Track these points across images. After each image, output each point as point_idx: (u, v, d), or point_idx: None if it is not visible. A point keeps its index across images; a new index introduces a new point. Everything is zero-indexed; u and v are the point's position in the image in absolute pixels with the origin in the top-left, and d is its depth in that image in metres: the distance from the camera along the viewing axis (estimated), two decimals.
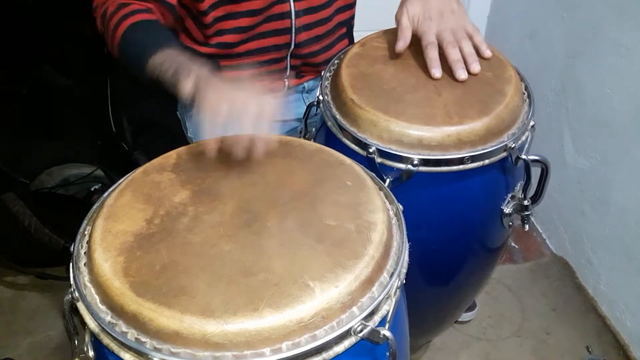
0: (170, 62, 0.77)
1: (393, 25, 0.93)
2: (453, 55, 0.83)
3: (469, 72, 0.83)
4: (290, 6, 0.95)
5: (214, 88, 0.70)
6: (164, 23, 0.92)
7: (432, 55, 0.84)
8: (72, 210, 1.48)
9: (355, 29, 1.11)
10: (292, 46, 0.99)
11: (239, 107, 0.66)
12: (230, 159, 0.68)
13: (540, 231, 1.61)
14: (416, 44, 0.87)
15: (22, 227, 1.35)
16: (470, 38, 0.86)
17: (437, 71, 0.83)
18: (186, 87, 0.71)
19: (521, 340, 1.33)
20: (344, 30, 1.08)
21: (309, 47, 1.01)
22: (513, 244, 1.58)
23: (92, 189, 1.55)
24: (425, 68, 0.85)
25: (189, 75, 0.73)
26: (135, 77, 0.89)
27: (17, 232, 1.36)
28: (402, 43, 0.87)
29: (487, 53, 0.86)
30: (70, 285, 0.58)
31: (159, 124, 1.43)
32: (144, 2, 0.89)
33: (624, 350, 1.30)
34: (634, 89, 1.18)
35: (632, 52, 1.17)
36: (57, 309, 1.37)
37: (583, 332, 1.35)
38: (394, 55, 0.88)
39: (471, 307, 1.35)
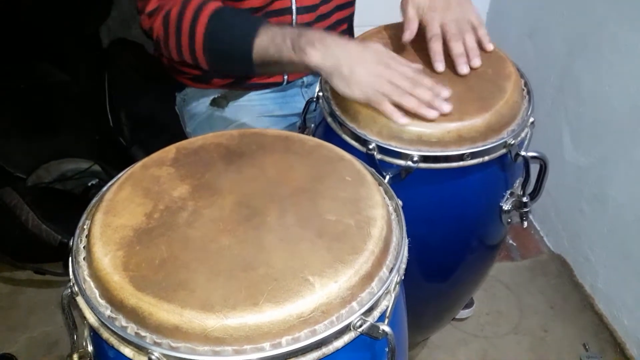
0: (282, 38, 0.76)
1: (393, 21, 0.93)
2: (456, 49, 0.83)
3: (470, 67, 0.83)
4: (291, 2, 0.95)
5: (356, 54, 0.73)
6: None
7: (436, 48, 0.83)
8: (70, 206, 1.48)
9: (355, 24, 1.11)
10: None
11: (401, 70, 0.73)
12: (229, 153, 0.68)
13: (538, 229, 1.61)
14: (417, 40, 0.87)
15: (19, 222, 1.35)
16: (474, 30, 0.85)
17: (440, 65, 0.83)
18: (314, 56, 0.72)
19: (519, 338, 1.34)
20: (344, 26, 1.08)
21: None
22: (511, 242, 1.58)
23: (90, 184, 1.54)
24: (425, 64, 0.84)
25: (313, 44, 0.73)
26: (230, 71, 0.85)
27: (14, 227, 1.36)
28: (409, 34, 0.86)
29: (489, 46, 0.86)
30: (68, 280, 0.57)
31: (157, 119, 1.43)
32: None
33: (620, 347, 1.30)
34: (633, 87, 1.18)
35: (631, 50, 1.17)
36: (54, 305, 1.37)
37: (580, 330, 1.35)
38: (394, 51, 0.88)
39: (469, 305, 1.35)
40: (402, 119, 0.74)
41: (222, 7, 0.85)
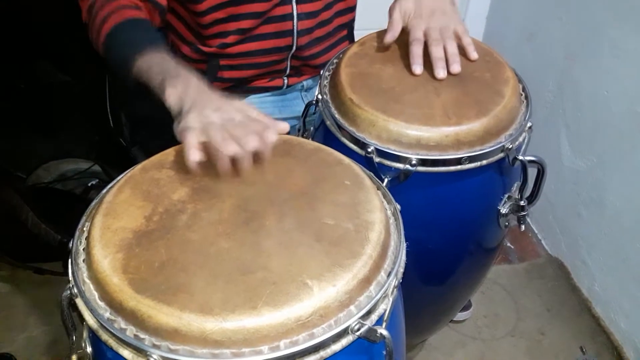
0: (158, 68, 0.74)
1: None
2: (436, 52, 0.84)
3: (448, 72, 0.83)
4: (292, 8, 0.95)
5: (204, 98, 0.67)
6: (150, 22, 0.87)
7: (416, 51, 0.85)
8: (69, 206, 1.48)
9: (354, 28, 1.12)
10: (294, 48, 0.99)
11: (232, 116, 0.65)
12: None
13: (536, 232, 1.62)
14: (403, 45, 0.88)
15: (19, 222, 1.35)
16: (459, 39, 0.86)
17: (417, 67, 0.84)
18: (171, 95, 0.69)
19: (516, 340, 1.34)
20: (344, 32, 1.08)
21: (310, 50, 1.01)
22: (509, 245, 1.59)
23: (90, 184, 1.54)
24: (409, 70, 0.85)
25: (175, 84, 0.70)
26: (121, 78, 0.86)
27: (14, 226, 1.36)
28: (390, 35, 0.88)
29: (474, 55, 0.87)
30: (67, 281, 0.58)
31: (157, 120, 1.42)
32: None
33: (617, 351, 1.31)
34: (631, 91, 1.18)
35: (629, 55, 1.18)
36: (54, 305, 1.35)
37: (577, 333, 1.35)
38: (393, 55, 0.89)
39: (466, 307, 1.36)
40: (194, 156, 0.64)
41: (132, 19, 0.84)
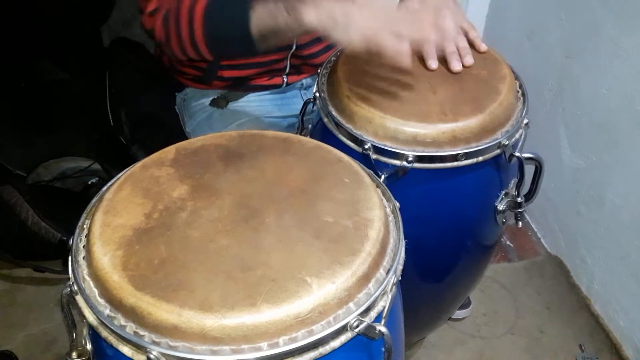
0: (275, 6, 0.77)
1: None
2: (449, 47, 0.85)
3: (463, 65, 0.84)
4: None
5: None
6: None
7: (429, 49, 0.85)
8: (69, 204, 1.48)
9: None
10: (294, 47, 0.99)
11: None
12: (228, 154, 0.69)
13: (535, 230, 1.62)
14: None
15: (19, 220, 1.35)
16: (466, 34, 0.87)
17: (433, 62, 0.85)
18: (309, 15, 0.73)
19: (515, 338, 1.34)
20: None
21: (310, 49, 1.01)
22: (508, 243, 1.59)
23: (89, 182, 1.55)
24: (420, 65, 0.85)
25: (306, 3, 0.73)
26: (233, 53, 0.87)
27: (13, 224, 1.36)
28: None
29: (483, 47, 0.88)
30: (68, 278, 0.58)
31: (157, 118, 1.43)
32: None
33: (616, 348, 1.31)
34: (630, 89, 1.18)
35: (629, 54, 1.18)
36: (53, 303, 1.37)
37: (576, 331, 1.36)
38: None
39: (466, 305, 1.36)
40: (406, 58, 0.72)
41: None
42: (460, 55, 0.85)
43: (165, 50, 0.91)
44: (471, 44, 0.88)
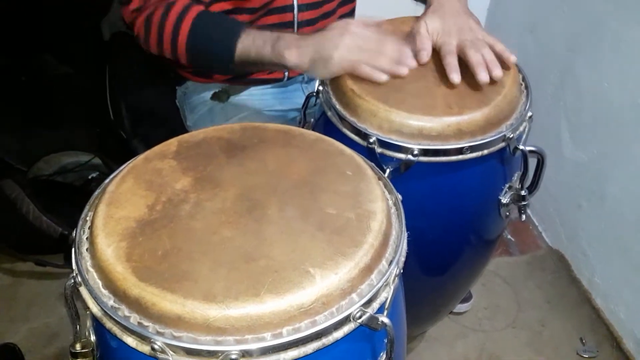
0: (262, 42, 0.81)
1: (392, 16, 0.94)
2: (475, 58, 0.81)
3: (491, 77, 0.81)
4: (293, 0, 0.95)
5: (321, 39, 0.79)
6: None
7: (452, 62, 0.82)
8: (70, 198, 1.49)
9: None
10: None
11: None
12: (231, 146, 0.69)
13: (537, 224, 1.62)
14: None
15: (20, 214, 1.36)
16: (492, 48, 0.84)
17: (455, 76, 0.81)
18: (292, 58, 0.79)
19: (516, 332, 1.35)
20: None
21: None
22: (509, 237, 1.59)
23: (90, 176, 1.55)
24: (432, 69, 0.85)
25: (289, 48, 0.79)
26: (211, 69, 0.93)
27: (15, 219, 1.37)
28: (425, 54, 0.85)
29: (512, 58, 0.84)
30: (69, 272, 0.58)
31: (157, 113, 1.43)
32: None
33: (617, 342, 1.31)
34: (633, 84, 1.18)
35: (631, 48, 1.18)
36: (55, 296, 1.37)
37: (577, 324, 1.36)
38: None
39: (467, 299, 1.36)
40: (383, 76, 0.80)
41: (206, 10, 0.88)
42: (488, 68, 0.81)
43: (140, 44, 0.92)
44: (499, 58, 0.83)
